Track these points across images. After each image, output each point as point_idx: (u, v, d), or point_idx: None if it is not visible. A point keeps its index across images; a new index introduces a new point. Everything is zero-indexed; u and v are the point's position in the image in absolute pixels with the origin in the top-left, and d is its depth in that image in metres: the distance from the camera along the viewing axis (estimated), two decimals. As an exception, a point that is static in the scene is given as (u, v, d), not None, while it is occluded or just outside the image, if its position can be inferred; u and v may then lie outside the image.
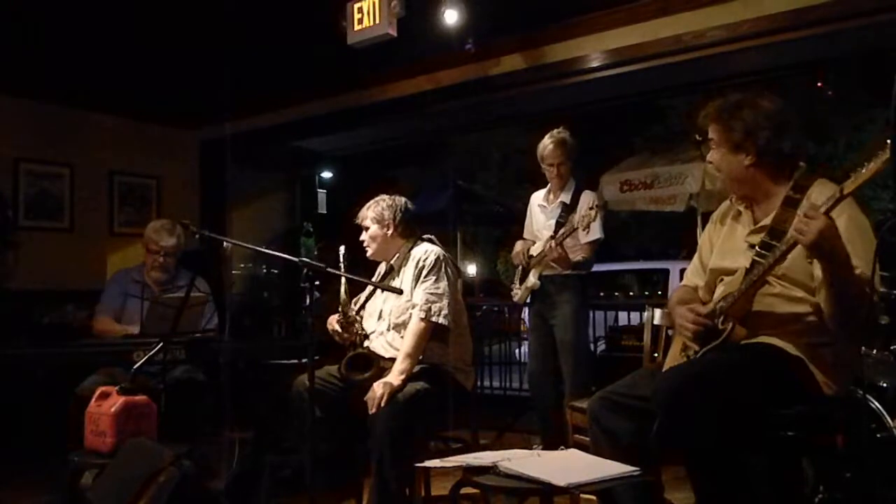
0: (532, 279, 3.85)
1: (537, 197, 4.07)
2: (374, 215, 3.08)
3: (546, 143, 3.88)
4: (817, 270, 2.00)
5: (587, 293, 3.97)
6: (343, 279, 2.95)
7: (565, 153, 3.85)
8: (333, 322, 3.02)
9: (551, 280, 3.81)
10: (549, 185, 4.00)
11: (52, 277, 4.90)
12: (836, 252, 1.88)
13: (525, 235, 4.09)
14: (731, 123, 2.14)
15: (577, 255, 3.77)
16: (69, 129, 5.36)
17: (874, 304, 1.90)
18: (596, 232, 3.77)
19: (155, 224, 3.82)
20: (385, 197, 3.13)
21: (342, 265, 2.93)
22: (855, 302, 1.92)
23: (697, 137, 2.30)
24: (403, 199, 3.13)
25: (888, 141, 1.71)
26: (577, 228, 3.60)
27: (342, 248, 2.99)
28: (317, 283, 2.50)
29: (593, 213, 3.56)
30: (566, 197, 3.89)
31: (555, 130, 3.91)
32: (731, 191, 2.27)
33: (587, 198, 3.82)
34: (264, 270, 5.89)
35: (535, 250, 3.87)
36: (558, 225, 3.80)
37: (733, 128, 2.14)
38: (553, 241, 3.69)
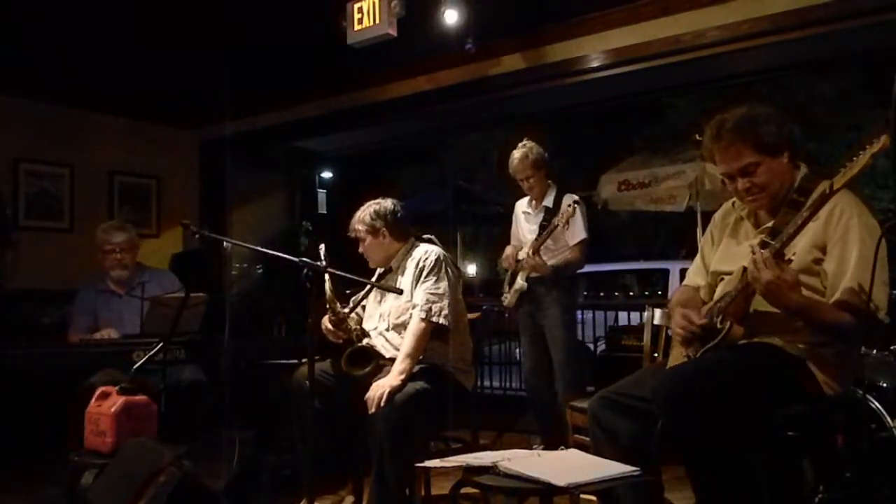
0: (520, 281, 3.91)
1: (521, 204, 4.13)
2: (366, 227, 3.05)
3: (511, 159, 3.94)
4: (824, 266, 2.01)
5: (576, 293, 4.01)
6: (327, 276, 2.90)
7: (530, 165, 3.88)
8: (326, 321, 3.01)
9: (540, 281, 3.85)
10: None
11: (52, 277, 4.89)
12: (789, 303, 1.93)
13: (512, 242, 4.13)
14: (761, 130, 2.08)
15: (558, 259, 3.83)
16: (69, 129, 5.36)
17: (870, 312, 1.89)
18: (581, 232, 3.84)
19: (103, 225, 3.83)
20: (371, 203, 3.10)
21: (323, 262, 2.89)
22: (836, 331, 1.96)
23: (697, 137, 2.30)
24: (390, 202, 3.09)
25: (880, 136, 1.71)
26: (559, 226, 3.67)
27: (322, 246, 2.92)
28: (308, 285, 2.49)
29: (571, 209, 3.65)
30: (548, 202, 3.94)
31: (520, 143, 3.95)
32: (773, 200, 2.14)
33: (568, 199, 3.86)
34: (259, 270, 5.89)
35: (522, 254, 3.92)
36: (542, 228, 3.85)
37: (767, 132, 2.08)
38: (531, 248, 3.77)
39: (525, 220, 4.07)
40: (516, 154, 3.92)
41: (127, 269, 3.72)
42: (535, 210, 3.99)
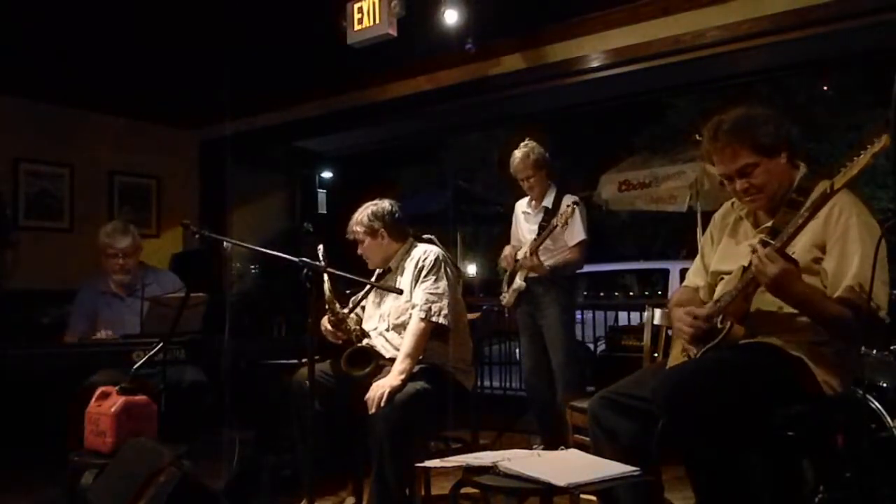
0: (518, 281, 3.91)
1: (521, 205, 4.13)
2: (364, 228, 3.05)
3: (513, 158, 3.94)
4: (824, 265, 2.01)
5: (574, 293, 4.01)
6: (326, 277, 2.89)
7: (531, 165, 3.88)
8: (325, 322, 3.01)
9: (539, 281, 3.85)
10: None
11: (52, 277, 4.90)
12: (795, 295, 1.94)
13: (512, 242, 4.13)
14: (759, 131, 2.08)
15: (557, 259, 3.83)
16: (69, 129, 5.36)
17: (871, 311, 1.89)
18: (580, 233, 3.84)
19: (106, 228, 3.71)
20: (368, 205, 3.10)
21: (321, 263, 2.88)
22: (838, 325, 1.96)
23: (697, 138, 2.30)
24: (388, 203, 3.10)
25: (881, 136, 1.71)
26: (557, 226, 3.68)
27: (321, 247, 2.91)
28: (308, 285, 2.49)
29: (570, 209, 3.66)
30: (548, 202, 3.94)
31: (522, 143, 3.95)
32: (772, 201, 2.15)
33: (568, 199, 3.86)
34: (253, 270, 5.89)
35: (521, 254, 3.92)
36: (541, 228, 3.85)
37: (765, 133, 2.08)
38: (529, 249, 3.78)
39: (525, 219, 4.08)
40: (517, 154, 3.92)
41: (129, 274, 3.69)
42: (535, 210, 3.99)
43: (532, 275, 3.85)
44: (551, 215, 3.83)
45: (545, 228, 3.79)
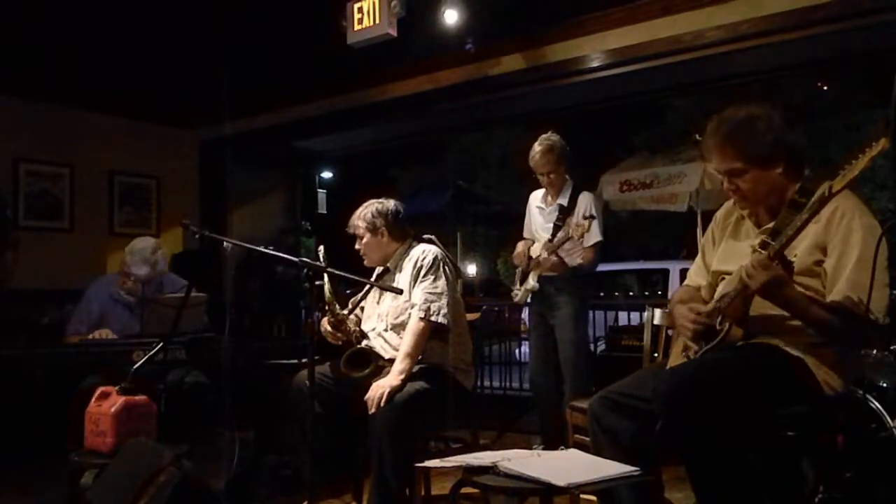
0: (531, 282, 3.84)
1: (536, 198, 4.06)
2: (366, 224, 3.05)
3: (534, 152, 3.85)
4: (824, 265, 2.01)
5: (587, 293, 3.95)
6: (326, 278, 2.89)
7: (554, 160, 3.80)
8: (325, 323, 3.01)
9: (551, 281, 3.80)
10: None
11: (52, 277, 4.90)
12: (785, 300, 1.95)
13: (525, 235, 4.08)
14: (754, 140, 2.06)
15: (575, 259, 3.77)
16: (69, 129, 5.36)
17: (865, 314, 1.89)
18: (595, 235, 3.77)
19: (134, 246, 3.68)
20: (373, 202, 3.10)
21: (322, 264, 2.86)
22: (827, 329, 1.96)
23: (697, 137, 2.29)
24: (392, 202, 3.10)
25: (879, 139, 1.71)
26: (573, 237, 3.59)
27: (321, 248, 2.91)
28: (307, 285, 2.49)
29: (587, 223, 3.55)
30: (563, 199, 3.88)
31: (543, 136, 3.87)
32: (759, 207, 2.16)
33: (584, 200, 3.81)
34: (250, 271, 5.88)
35: (534, 251, 3.86)
36: (555, 227, 3.80)
37: (761, 143, 2.06)
38: (546, 250, 3.71)
39: (539, 214, 4.00)
40: (538, 147, 3.82)
41: (136, 295, 3.68)
42: (549, 206, 3.92)
43: (546, 274, 3.79)
44: (566, 213, 3.77)
45: (559, 228, 3.73)
